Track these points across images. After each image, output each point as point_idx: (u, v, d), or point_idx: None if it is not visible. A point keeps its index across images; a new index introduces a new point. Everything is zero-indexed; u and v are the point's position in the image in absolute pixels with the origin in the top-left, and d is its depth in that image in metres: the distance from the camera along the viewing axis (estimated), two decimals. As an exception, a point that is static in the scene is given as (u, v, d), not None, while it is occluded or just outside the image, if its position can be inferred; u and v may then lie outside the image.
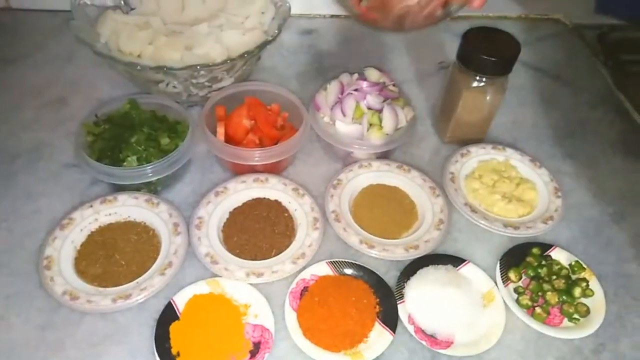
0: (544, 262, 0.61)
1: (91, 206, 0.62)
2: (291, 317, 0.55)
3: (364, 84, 0.69)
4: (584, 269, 0.61)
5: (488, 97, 0.68)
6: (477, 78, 0.67)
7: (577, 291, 0.58)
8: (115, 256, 0.59)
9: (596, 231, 0.66)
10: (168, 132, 0.66)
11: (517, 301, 0.58)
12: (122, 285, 0.57)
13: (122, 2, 0.79)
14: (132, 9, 0.80)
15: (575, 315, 0.57)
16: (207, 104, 0.69)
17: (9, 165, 0.69)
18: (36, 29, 0.90)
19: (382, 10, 0.64)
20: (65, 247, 0.59)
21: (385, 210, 0.66)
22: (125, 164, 0.62)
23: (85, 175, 0.68)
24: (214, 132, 0.68)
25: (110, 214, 0.62)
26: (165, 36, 0.73)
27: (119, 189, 0.65)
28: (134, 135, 0.64)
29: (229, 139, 0.68)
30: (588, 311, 0.57)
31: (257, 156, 0.65)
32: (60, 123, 0.75)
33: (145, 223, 0.62)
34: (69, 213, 0.62)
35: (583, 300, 0.58)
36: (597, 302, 0.58)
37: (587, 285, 0.59)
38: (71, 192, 0.66)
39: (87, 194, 0.66)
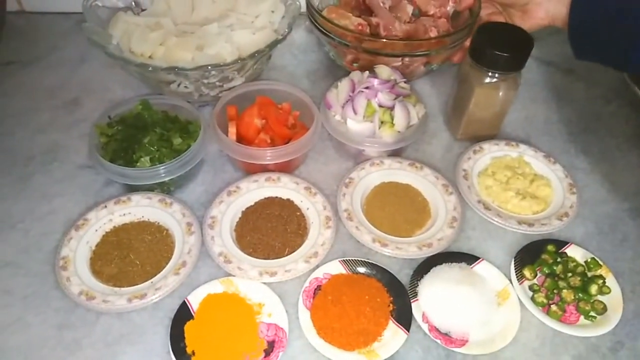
0: (559, 259, 0.60)
1: (105, 207, 0.63)
2: (305, 316, 0.55)
3: (375, 82, 0.69)
4: (600, 265, 0.60)
5: (501, 93, 0.68)
6: (490, 74, 0.66)
7: (593, 288, 0.57)
8: (130, 256, 0.59)
9: (612, 227, 0.66)
10: (180, 132, 0.67)
11: (533, 299, 0.57)
12: (137, 285, 0.57)
13: (133, 4, 0.80)
14: (143, 10, 0.80)
15: (592, 313, 0.56)
16: (218, 104, 0.70)
17: (24, 167, 0.70)
18: (49, 32, 0.91)
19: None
20: (80, 247, 0.60)
21: (397, 208, 0.66)
22: (138, 164, 0.63)
23: (99, 176, 0.68)
24: (226, 132, 0.68)
25: (124, 214, 0.63)
26: (176, 37, 0.74)
27: (132, 189, 0.66)
28: (147, 135, 0.64)
29: (241, 139, 0.68)
30: (605, 309, 0.56)
31: (268, 155, 0.65)
32: (73, 124, 0.76)
33: (159, 223, 0.63)
34: (84, 214, 0.62)
35: (600, 297, 0.57)
36: (614, 299, 0.57)
37: (604, 283, 0.58)
38: (85, 192, 0.67)
39: (101, 195, 0.67)
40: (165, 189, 0.66)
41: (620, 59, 0.62)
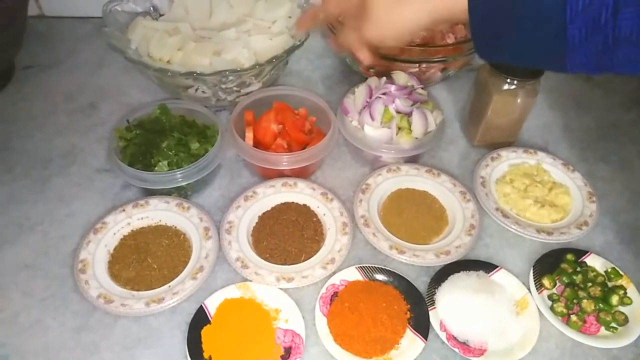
0: (578, 269, 0.60)
1: (123, 210, 0.63)
2: (322, 323, 0.55)
3: (393, 88, 0.69)
4: (621, 276, 0.59)
5: (519, 100, 0.67)
6: (508, 81, 0.65)
7: (614, 299, 0.56)
8: (147, 260, 0.60)
9: (632, 237, 0.65)
10: (198, 137, 0.67)
11: (552, 308, 0.57)
12: (154, 289, 0.57)
13: (152, 9, 0.80)
14: (161, 15, 0.81)
15: (613, 324, 0.55)
16: (235, 109, 0.70)
17: (43, 170, 0.70)
18: (68, 36, 0.92)
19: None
20: (99, 250, 0.60)
21: (414, 215, 0.65)
22: (156, 168, 0.63)
23: (117, 179, 0.69)
24: (243, 137, 0.68)
25: (142, 218, 0.63)
26: (194, 42, 0.74)
27: (150, 193, 0.66)
28: (165, 140, 0.65)
29: (258, 144, 0.68)
30: (626, 320, 0.55)
31: (285, 161, 0.65)
32: (91, 128, 0.76)
33: (176, 227, 0.63)
34: (102, 217, 0.63)
35: (621, 308, 0.57)
36: (636, 310, 0.56)
37: (625, 293, 0.57)
38: (103, 196, 0.67)
39: (119, 198, 0.67)
40: (183, 193, 0.67)
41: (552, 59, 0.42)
